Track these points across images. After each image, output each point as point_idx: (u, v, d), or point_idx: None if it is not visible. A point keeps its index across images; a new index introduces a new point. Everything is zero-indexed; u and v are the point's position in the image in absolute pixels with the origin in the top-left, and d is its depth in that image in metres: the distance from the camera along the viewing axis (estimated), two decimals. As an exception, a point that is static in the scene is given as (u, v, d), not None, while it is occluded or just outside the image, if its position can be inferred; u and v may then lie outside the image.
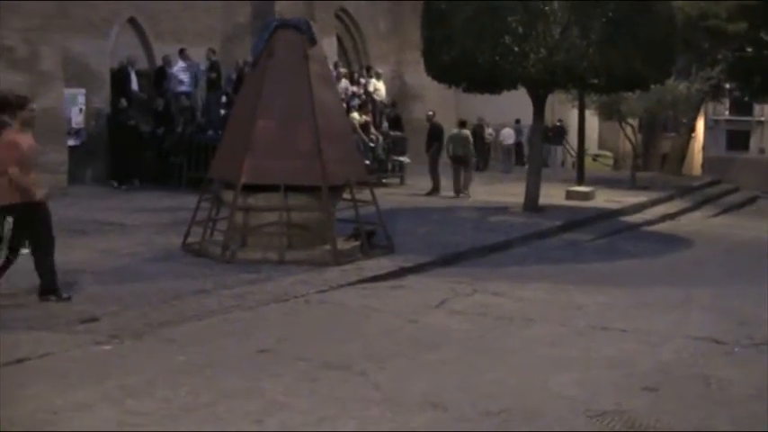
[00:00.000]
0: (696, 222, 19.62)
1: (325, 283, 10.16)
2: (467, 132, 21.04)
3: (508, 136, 30.48)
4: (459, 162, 20.56)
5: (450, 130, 21.06)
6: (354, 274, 10.78)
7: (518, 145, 30.69)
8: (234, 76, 20.85)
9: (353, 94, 22.60)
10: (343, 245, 11.86)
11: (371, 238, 12.41)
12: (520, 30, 15.51)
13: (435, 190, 20.29)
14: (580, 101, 22.30)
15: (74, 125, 18.78)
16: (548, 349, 7.82)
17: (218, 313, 8.59)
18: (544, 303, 9.74)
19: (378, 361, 7.12)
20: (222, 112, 19.52)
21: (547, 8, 15.46)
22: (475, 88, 17.92)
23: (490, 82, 16.93)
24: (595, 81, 16.65)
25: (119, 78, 19.86)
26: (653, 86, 18.69)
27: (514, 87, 17.29)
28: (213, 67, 21.33)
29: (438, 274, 11.38)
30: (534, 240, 14.78)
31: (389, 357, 7.26)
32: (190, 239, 11.96)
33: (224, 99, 20.55)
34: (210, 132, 19.02)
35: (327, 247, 11.52)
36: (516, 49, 15.59)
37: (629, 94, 20.71)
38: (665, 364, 7.42)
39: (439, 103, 24.65)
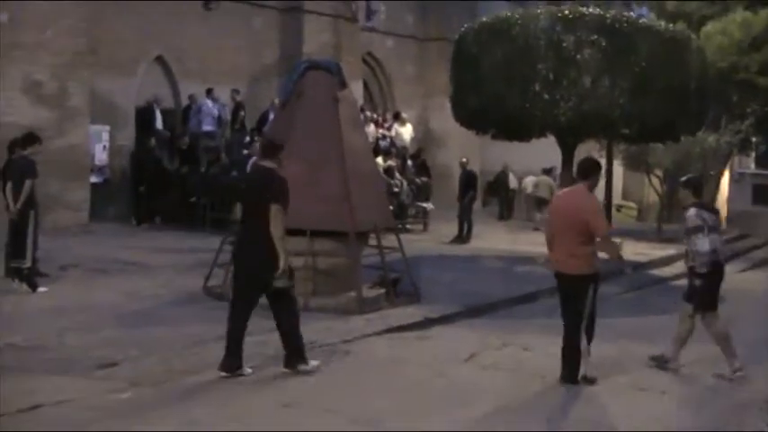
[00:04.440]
0: (725, 278, 19.13)
1: (350, 333, 9.87)
2: (550, 180, 24.09)
3: (530, 184, 30.14)
4: (541, 204, 23.00)
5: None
6: (380, 324, 10.48)
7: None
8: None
9: (379, 138, 22.44)
10: (368, 292, 11.56)
11: (397, 285, 12.13)
12: (551, 76, 15.33)
13: (464, 238, 20.04)
14: (608, 150, 22.04)
15: (97, 162, 18.70)
16: (584, 409, 7.50)
17: (240, 361, 8.30)
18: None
19: (408, 418, 6.81)
20: (245, 152, 19.37)
21: (578, 56, 15.28)
22: (503, 135, 17.72)
23: (519, 129, 16.71)
24: (626, 131, 16.39)
25: (144, 116, 19.82)
26: (683, 138, 18.41)
27: (544, 135, 17.07)
28: (238, 107, 21.30)
29: (466, 326, 11.07)
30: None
31: (420, 415, 6.96)
32: (211, 282, 11.72)
33: (247, 139, 20.42)
34: (234, 173, 18.85)
35: (352, 294, 11.23)
36: (546, 96, 15.40)
37: (658, 145, 20.42)
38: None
39: (463, 149, 24.48)
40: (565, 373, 8.13)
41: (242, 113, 21.33)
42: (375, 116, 24.39)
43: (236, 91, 21.27)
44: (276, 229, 7.60)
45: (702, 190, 9.32)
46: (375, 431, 6.52)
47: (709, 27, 22.88)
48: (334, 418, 6.70)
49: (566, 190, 8.65)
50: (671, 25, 15.93)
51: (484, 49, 15.88)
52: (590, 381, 8.11)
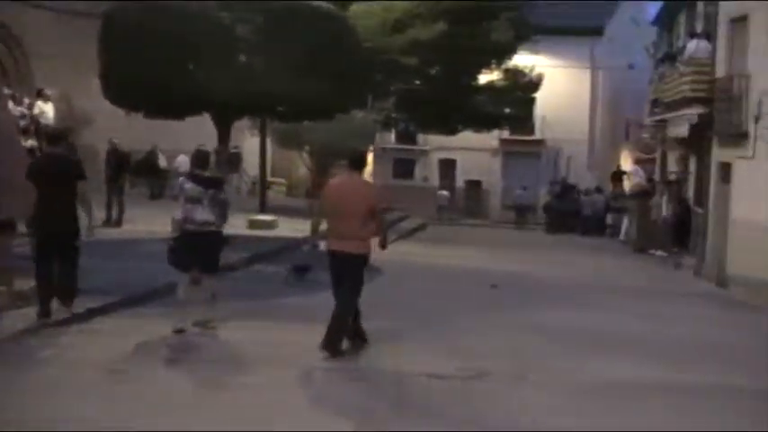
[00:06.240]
0: (377, 250, 19.81)
1: (2, 331, 8.93)
2: None
3: (183, 163, 29.53)
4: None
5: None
6: (36, 319, 9.59)
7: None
8: None
9: (18, 117, 20.79)
10: (21, 285, 10.56)
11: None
12: (207, 54, 14.96)
13: (117, 221, 19.13)
14: (262, 128, 22.03)
15: None
16: (274, 394, 7.30)
17: None
18: (257, 344, 9.16)
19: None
20: None
21: (234, 34, 15.04)
22: (157, 113, 17.08)
23: (175, 107, 16.18)
24: (282, 109, 16.42)
25: None
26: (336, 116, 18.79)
27: (199, 113, 16.69)
28: None
29: (132, 314, 10.51)
30: (225, 273, 14.10)
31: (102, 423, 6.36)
32: None
33: None
34: None
35: (2, 288, 10.20)
36: (203, 73, 15.02)
37: (311, 123, 20.72)
38: (399, 404, 7.18)
39: (110, 127, 23.32)
40: (333, 342, 8.67)
41: None
42: (12, 93, 22.58)
43: None
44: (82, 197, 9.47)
45: (204, 161, 9.74)
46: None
47: (355, 7, 23.53)
48: None
49: (343, 177, 9.14)
50: (324, 4, 16.05)
51: (137, 24, 15.17)
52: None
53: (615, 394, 8.00)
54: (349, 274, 8.82)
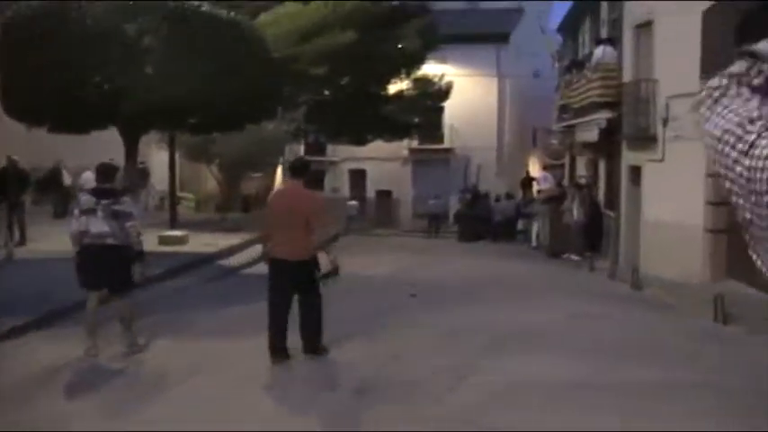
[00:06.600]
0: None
1: None
2: None
3: (89, 180, 28.73)
4: None
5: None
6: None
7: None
8: None
9: None
10: None
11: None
12: (113, 66, 14.52)
13: (20, 240, 18.45)
14: (171, 142, 21.55)
15: None
16: (194, 409, 7.04)
17: None
18: (176, 359, 8.85)
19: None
20: None
21: (141, 45, 14.63)
22: (61, 128, 16.52)
23: (80, 121, 15.67)
24: (193, 121, 16.05)
25: None
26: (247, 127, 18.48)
27: (106, 127, 16.20)
28: None
29: (43, 337, 10.07)
30: (137, 290, 13.68)
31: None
32: None
33: None
34: None
35: None
36: (108, 86, 14.58)
37: (220, 135, 20.36)
38: (336, 412, 6.97)
39: (8, 144, 22.49)
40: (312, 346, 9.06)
41: None
42: None
43: None
44: None
45: (106, 175, 9.35)
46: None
47: (263, 18, 23.23)
48: None
49: (287, 187, 9.45)
50: (232, 13, 15.75)
51: (39, 35, 14.62)
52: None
53: (557, 394, 7.89)
54: (303, 284, 8.87)
